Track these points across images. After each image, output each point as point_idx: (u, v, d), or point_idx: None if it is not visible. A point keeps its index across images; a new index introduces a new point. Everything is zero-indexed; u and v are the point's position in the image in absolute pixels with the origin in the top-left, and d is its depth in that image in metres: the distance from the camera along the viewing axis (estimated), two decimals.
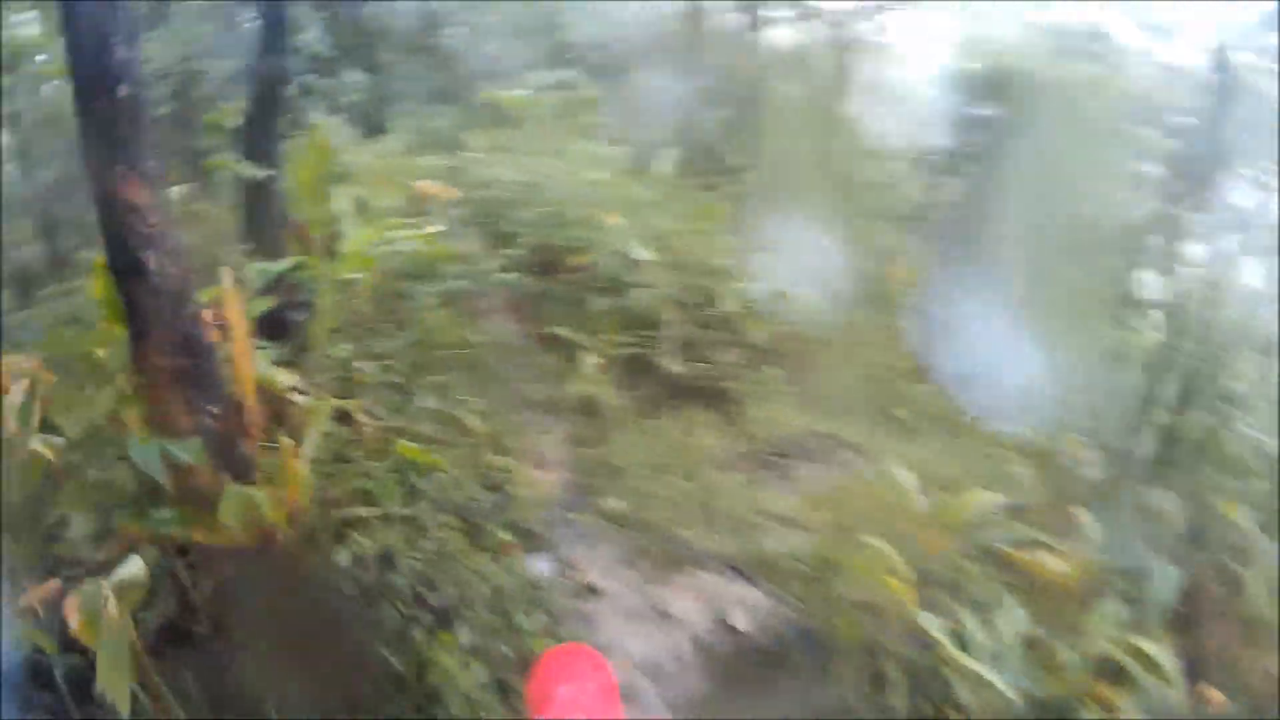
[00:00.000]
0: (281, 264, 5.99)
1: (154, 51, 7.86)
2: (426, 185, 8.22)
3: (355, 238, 6.29)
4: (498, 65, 10.94)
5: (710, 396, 7.22)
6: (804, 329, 7.54)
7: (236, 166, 6.51)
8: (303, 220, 6.54)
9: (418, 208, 8.06)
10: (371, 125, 10.60)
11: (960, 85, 10.82)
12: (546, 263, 7.65)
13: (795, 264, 7.56)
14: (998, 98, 10.06)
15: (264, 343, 5.50)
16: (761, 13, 12.30)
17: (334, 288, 6.05)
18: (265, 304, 5.66)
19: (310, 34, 10.22)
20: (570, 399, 6.91)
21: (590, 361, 6.92)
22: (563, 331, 7.15)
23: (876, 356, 7.84)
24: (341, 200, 6.98)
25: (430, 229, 7.02)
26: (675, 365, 7.15)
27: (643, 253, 7.47)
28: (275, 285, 5.98)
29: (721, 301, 7.57)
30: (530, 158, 9.02)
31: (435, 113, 10.67)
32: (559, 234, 7.75)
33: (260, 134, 6.55)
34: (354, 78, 10.81)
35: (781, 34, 12.58)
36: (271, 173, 6.41)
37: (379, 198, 7.83)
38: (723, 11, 12.29)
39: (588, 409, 6.85)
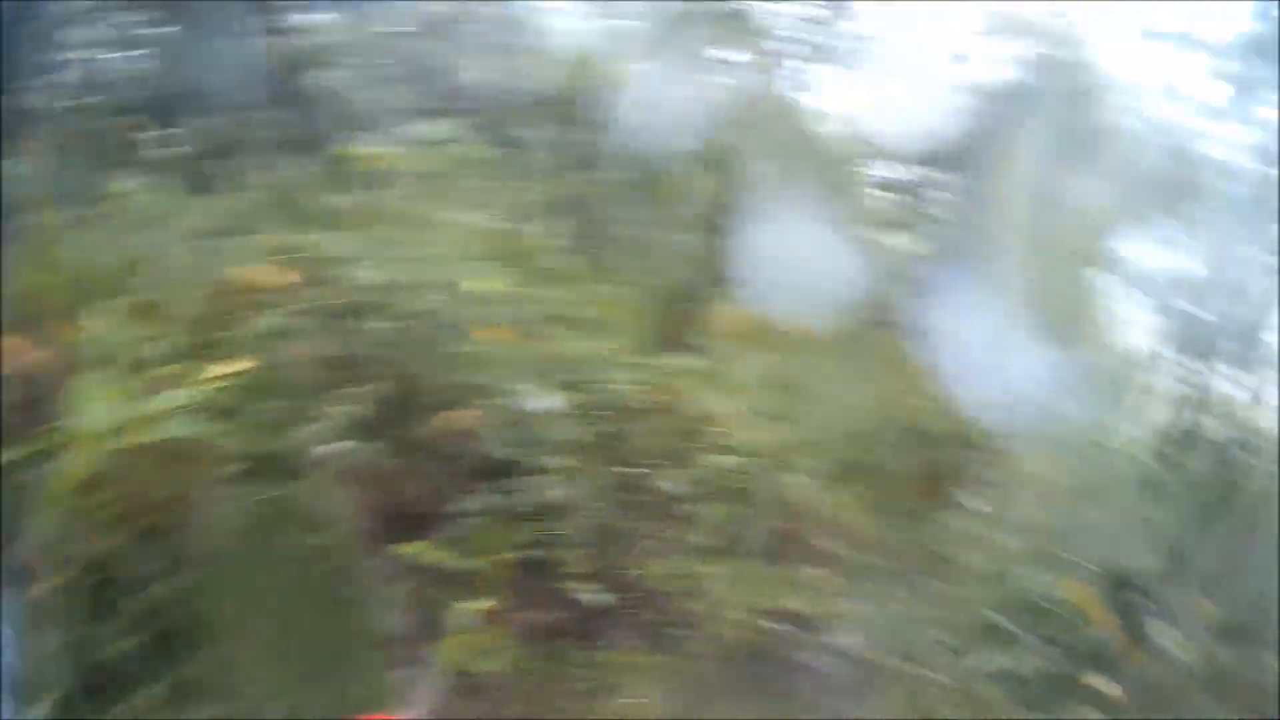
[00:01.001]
0: None
1: None
2: (254, 272, 6.11)
3: (94, 407, 4.09)
4: (373, 113, 8.81)
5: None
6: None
7: None
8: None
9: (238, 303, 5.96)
10: (214, 181, 8.43)
11: None
12: (406, 415, 5.50)
13: None
14: None
15: None
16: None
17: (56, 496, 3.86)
18: None
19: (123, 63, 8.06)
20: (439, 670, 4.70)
21: (465, 609, 4.63)
22: (419, 551, 4.91)
23: None
24: (98, 324, 4.81)
25: (236, 367, 4.81)
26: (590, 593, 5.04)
27: (543, 401, 5.38)
28: None
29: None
30: (393, 234, 6.92)
31: (286, 170, 8.43)
32: (425, 368, 5.59)
33: None
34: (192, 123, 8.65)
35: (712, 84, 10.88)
36: None
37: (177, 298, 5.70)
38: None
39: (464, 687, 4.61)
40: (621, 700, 4.74)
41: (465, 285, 6.05)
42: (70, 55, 8.01)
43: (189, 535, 4.53)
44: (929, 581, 5.85)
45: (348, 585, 4.94)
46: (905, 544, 5.98)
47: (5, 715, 3.59)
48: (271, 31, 9.34)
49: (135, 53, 8.57)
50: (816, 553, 5.70)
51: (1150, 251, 8.15)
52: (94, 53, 8.25)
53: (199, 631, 4.37)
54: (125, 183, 7.18)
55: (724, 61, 10.68)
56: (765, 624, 5.25)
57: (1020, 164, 7.84)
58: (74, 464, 3.91)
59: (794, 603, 5.42)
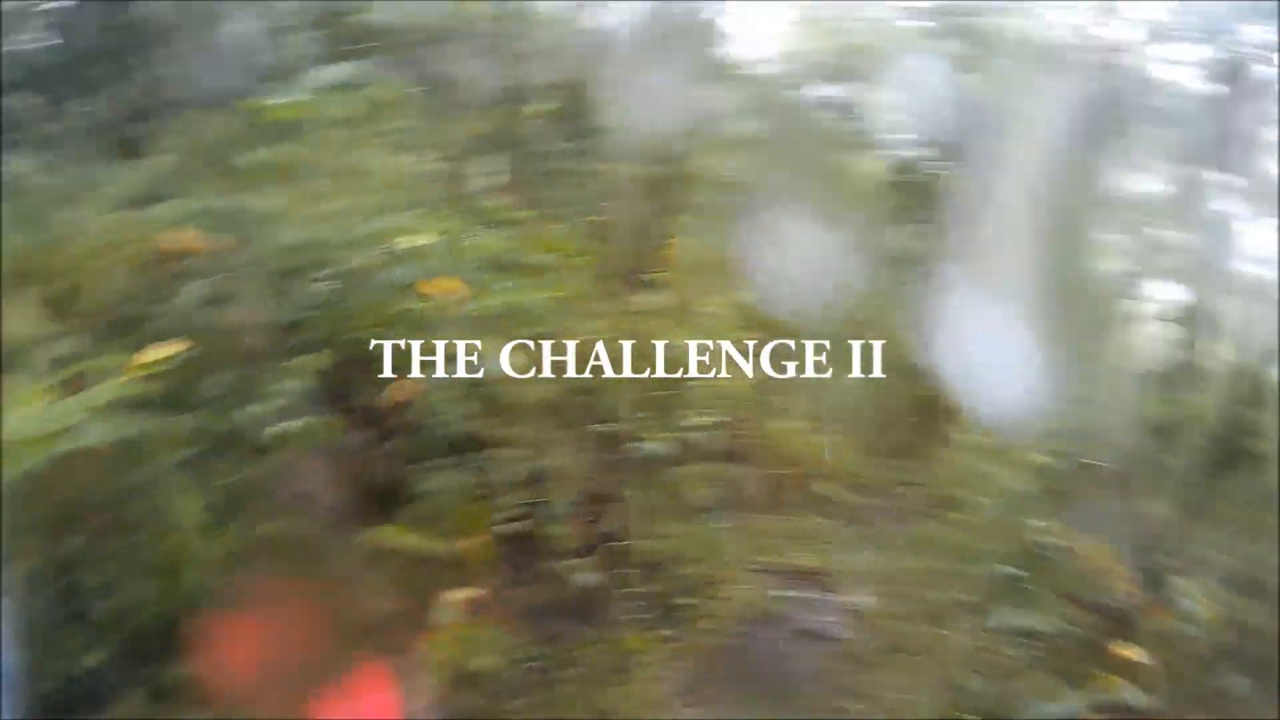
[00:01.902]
0: None
1: None
2: (174, 238, 5.71)
3: (17, 412, 3.73)
4: (283, 62, 8.28)
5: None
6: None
7: None
8: None
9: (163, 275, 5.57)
10: (124, 148, 7.92)
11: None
12: (355, 385, 5.12)
13: None
14: None
15: None
16: None
17: None
18: None
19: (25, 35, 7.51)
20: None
21: (448, 599, 4.28)
22: (388, 535, 4.56)
23: None
24: (11, 319, 4.44)
25: (166, 351, 4.45)
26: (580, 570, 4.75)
27: (500, 360, 5.03)
28: None
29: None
30: (319, 187, 6.50)
31: (198, 130, 7.92)
32: (369, 331, 5.21)
33: None
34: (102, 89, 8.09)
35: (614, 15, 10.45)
36: None
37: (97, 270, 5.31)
38: None
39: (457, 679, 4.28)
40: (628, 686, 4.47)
41: (402, 239, 5.63)
42: None
43: (140, 533, 4.21)
44: (935, 527, 5.65)
45: (319, 573, 4.67)
46: (907, 485, 5.78)
47: (5, 715, 3.38)
48: None
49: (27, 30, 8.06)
50: (817, 501, 5.48)
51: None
52: None
53: (162, 634, 4.08)
54: (21, 163, 6.71)
55: None
56: (770, 585, 5.01)
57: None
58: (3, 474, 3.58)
59: (799, 558, 5.19)
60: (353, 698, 2.27)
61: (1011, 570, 5.09)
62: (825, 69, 9.91)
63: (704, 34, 9.67)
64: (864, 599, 5.02)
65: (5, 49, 7.62)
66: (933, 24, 9.80)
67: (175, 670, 3.90)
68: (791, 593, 4.96)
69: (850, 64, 9.75)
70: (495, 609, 4.41)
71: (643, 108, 7.57)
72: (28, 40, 7.92)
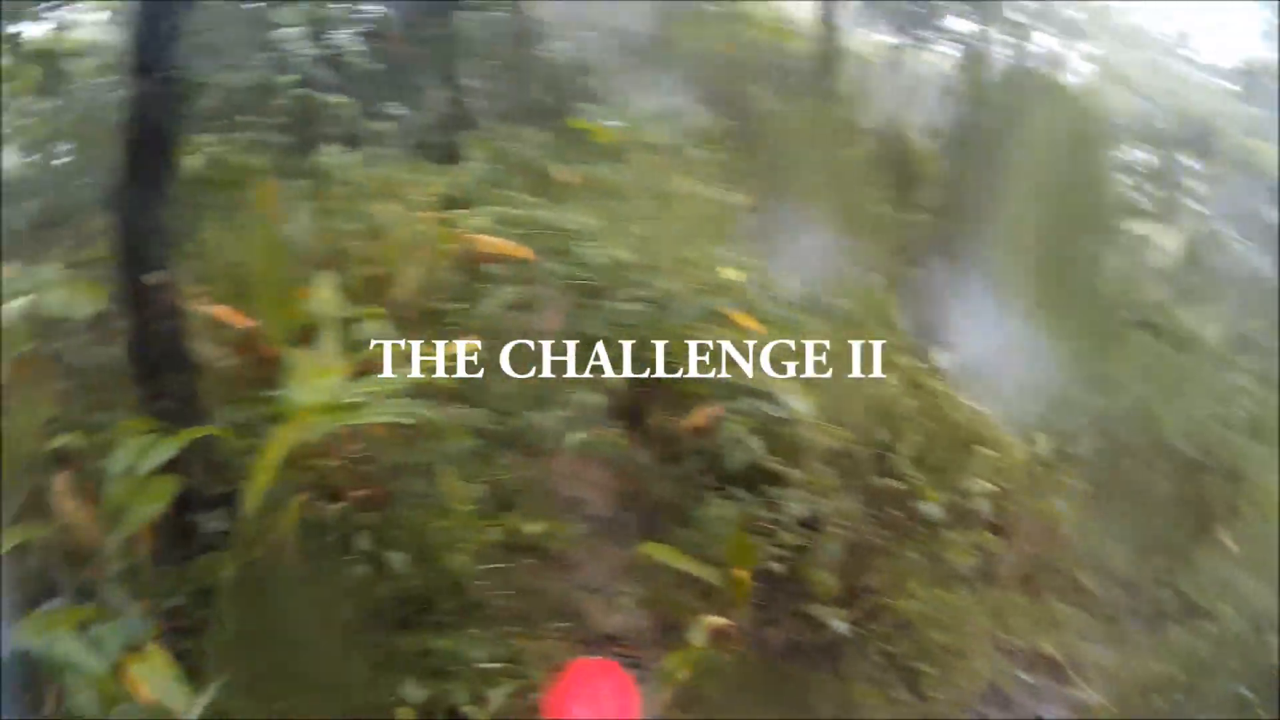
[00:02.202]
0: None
1: None
2: (489, 241, 5.64)
3: (310, 383, 3.57)
4: (602, 86, 8.27)
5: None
6: None
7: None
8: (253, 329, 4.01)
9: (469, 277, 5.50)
10: (437, 153, 8.04)
11: None
12: (649, 406, 4.87)
13: None
14: None
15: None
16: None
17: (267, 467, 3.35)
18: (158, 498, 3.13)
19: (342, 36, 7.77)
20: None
21: (698, 622, 3.92)
22: (658, 552, 4.26)
23: None
24: (324, 293, 4.35)
25: (463, 346, 4.26)
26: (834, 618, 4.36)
27: (796, 403, 4.67)
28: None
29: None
30: (629, 209, 6.37)
31: (518, 142, 7.94)
32: (668, 355, 4.94)
33: (134, 201, 3.70)
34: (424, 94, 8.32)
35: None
36: (156, 274, 3.64)
37: (407, 262, 5.25)
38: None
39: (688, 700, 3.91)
40: None
41: (711, 270, 5.41)
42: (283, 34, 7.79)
43: (411, 511, 4.04)
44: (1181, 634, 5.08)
45: (577, 576, 4.47)
46: (1164, 585, 5.32)
47: (5, 715, 3.28)
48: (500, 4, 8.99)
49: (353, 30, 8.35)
50: (1073, 588, 5.03)
51: None
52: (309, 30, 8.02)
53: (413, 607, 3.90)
54: (335, 157, 6.86)
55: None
56: (1009, 665, 4.53)
57: None
58: (287, 438, 3.42)
59: (1042, 643, 4.69)
60: (593, 696, 2.11)
61: (1246, 694, 4.51)
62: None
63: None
64: (1095, 696, 4.48)
65: (324, 52, 7.89)
66: None
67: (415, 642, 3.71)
68: (1027, 677, 4.48)
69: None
70: (740, 640, 4.10)
71: (964, 160, 7.11)
72: (345, 43, 8.16)
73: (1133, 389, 6.88)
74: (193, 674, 3.05)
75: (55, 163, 7.52)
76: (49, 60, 6.76)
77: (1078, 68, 10.57)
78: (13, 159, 8.09)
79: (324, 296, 4.45)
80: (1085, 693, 4.67)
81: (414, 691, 3.46)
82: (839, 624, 4.41)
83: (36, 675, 3.23)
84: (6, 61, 6.29)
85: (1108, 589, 5.21)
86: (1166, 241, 9.78)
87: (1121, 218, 9.34)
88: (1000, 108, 7.88)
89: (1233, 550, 5.77)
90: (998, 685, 4.54)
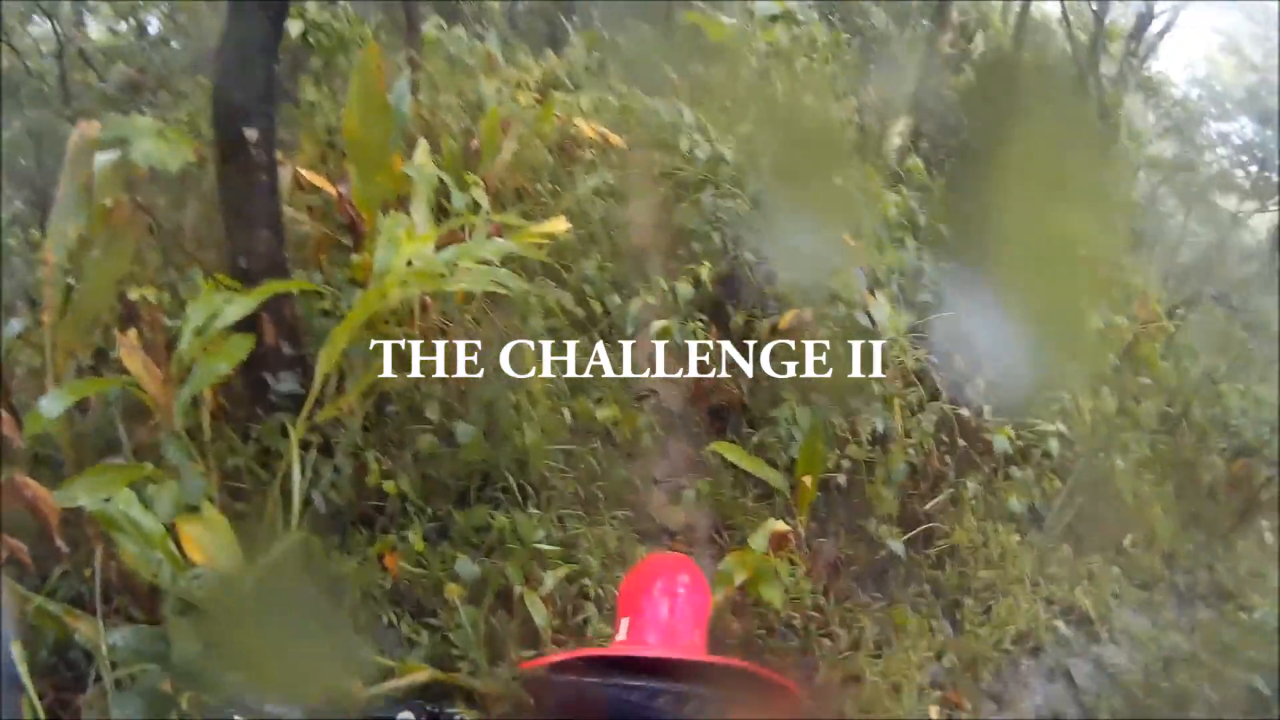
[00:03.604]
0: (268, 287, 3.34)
1: None
2: (586, 126, 5.55)
3: (404, 239, 3.52)
4: None
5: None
6: None
7: None
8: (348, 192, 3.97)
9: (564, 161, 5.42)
10: (542, 36, 7.93)
11: None
12: (734, 303, 4.77)
13: None
14: None
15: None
16: None
17: (351, 326, 3.32)
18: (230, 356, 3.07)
19: None
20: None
21: (764, 527, 3.86)
22: (730, 451, 4.21)
23: None
24: (421, 159, 4.31)
25: (553, 227, 4.18)
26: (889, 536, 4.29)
27: (882, 311, 4.55)
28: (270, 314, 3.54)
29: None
30: (732, 109, 6.20)
31: (629, 33, 7.78)
32: (760, 256, 4.83)
33: (236, 60, 3.58)
34: None
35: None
36: (254, 130, 3.58)
37: (505, 144, 5.18)
38: None
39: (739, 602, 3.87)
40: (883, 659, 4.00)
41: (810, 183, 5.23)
42: None
43: (481, 386, 4.00)
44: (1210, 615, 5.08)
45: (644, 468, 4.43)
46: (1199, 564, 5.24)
47: (5, 715, 3.28)
48: None
49: None
50: (1123, 554, 4.94)
51: None
52: None
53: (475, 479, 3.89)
54: (438, 31, 6.76)
55: None
56: (1046, 615, 4.47)
57: None
58: (371, 301, 3.39)
59: (1083, 600, 4.62)
60: (670, 589, 2.05)
61: (1260, 687, 4.47)
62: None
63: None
64: (1123, 661, 4.40)
65: None
66: None
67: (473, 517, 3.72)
68: (1062, 627, 4.41)
69: None
70: (798, 547, 4.04)
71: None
72: None
73: (1200, 360, 6.74)
74: (247, 537, 3.04)
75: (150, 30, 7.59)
76: None
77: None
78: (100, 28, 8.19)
79: (421, 163, 4.41)
80: (1111, 652, 4.63)
81: (466, 567, 3.46)
82: (894, 544, 4.33)
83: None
84: None
85: (1149, 555, 5.16)
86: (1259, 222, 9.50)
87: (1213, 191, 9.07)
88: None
89: (1269, 543, 5.71)
90: (1032, 631, 4.48)
